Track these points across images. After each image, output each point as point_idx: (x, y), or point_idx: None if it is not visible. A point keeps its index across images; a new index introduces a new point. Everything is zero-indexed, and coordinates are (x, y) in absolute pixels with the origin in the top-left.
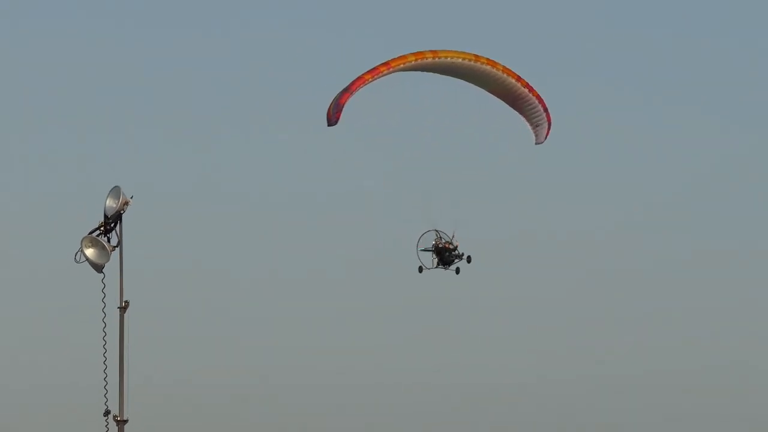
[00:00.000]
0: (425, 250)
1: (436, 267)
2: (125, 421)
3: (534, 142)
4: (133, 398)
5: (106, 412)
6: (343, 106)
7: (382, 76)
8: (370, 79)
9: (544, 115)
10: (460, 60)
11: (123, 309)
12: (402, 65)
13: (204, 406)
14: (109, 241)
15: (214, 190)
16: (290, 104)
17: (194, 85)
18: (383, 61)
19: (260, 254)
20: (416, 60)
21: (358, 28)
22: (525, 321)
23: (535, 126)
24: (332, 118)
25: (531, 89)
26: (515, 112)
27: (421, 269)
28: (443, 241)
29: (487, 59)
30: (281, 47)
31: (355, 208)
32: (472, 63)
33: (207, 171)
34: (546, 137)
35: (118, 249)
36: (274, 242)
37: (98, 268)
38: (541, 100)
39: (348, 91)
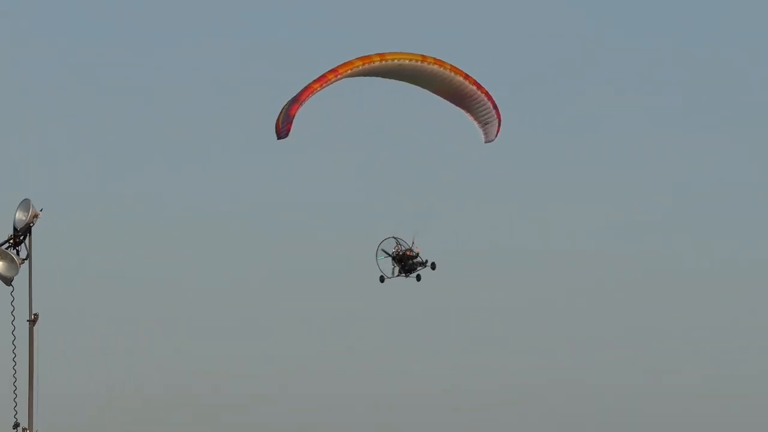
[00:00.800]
0: (386, 257)
1: (398, 275)
2: None
3: (483, 140)
4: (43, 411)
5: (16, 425)
6: (293, 117)
7: (331, 83)
8: (319, 88)
9: (494, 112)
10: (407, 61)
11: (32, 322)
12: (349, 71)
13: (116, 417)
14: (18, 253)
15: (128, 202)
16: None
17: (109, 93)
18: (330, 68)
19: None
20: (363, 64)
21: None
22: (525, 324)
23: (484, 124)
24: (282, 131)
25: (479, 87)
26: (463, 111)
27: (382, 279)
28: (403, 248)
29: (434, 59)
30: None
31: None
32: (419, 63)
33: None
34: (496, 135)
35: (27, 262)
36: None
37: (7, 281)
38: (489, 97)
39: (297, 101)
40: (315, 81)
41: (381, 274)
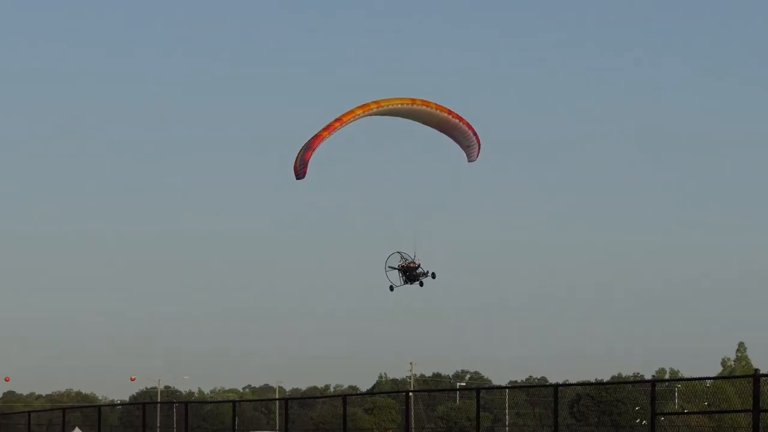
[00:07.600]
0: (392, 269)
1: (404, 284)
2: None
3: (467, 160)
4: None
5: None
6: (308, 162)
7: (337, 131)
8: (327, 136)
9: (474, 138)
10: (399, 105)
11: None
12: (352, 118)
13: None
14: None
15: None
16: None
17: None
18: (336, 118)
19: None
20: (363, 112)
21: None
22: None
23: (467, 147)
24: (299, 173)
25: (461, 119)
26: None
27: (392, 288)
28: (407, 261)
29: (422, 101)
30: None
31: None
32: (410, 106)
33: None
34: (477, 156)
35: None
36: None
37: None
38: (470, 126)
39: (310, 148)
40: (323, 129)
41: (390, 284)
